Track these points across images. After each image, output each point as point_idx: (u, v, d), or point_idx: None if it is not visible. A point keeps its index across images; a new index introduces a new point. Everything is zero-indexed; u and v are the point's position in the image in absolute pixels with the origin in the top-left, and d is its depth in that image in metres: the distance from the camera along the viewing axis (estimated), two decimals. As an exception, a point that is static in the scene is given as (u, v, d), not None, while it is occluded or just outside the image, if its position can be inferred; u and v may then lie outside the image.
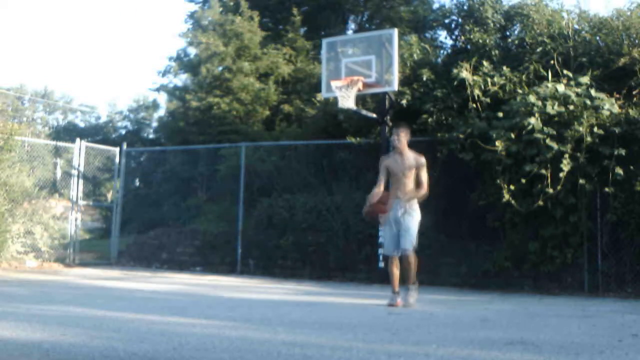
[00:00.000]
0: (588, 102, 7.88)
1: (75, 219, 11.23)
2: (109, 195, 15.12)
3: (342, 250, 9.51)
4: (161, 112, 27.96)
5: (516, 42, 9.82)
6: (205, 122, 14.92)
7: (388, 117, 9.32)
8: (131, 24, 75.82)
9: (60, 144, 12.79)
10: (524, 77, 8.77)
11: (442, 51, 11.30)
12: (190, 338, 3.55)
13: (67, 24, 74.54)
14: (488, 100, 8.73)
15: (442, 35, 12.96)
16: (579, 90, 8.03)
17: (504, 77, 8.79)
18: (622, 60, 8.52)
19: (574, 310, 5.97)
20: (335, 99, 9.26)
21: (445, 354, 3.30)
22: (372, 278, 9.04)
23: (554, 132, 7.79)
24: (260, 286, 8.30)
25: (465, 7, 10.40)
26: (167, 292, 7.04)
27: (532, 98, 8.01)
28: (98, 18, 76.47)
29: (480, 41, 9.57)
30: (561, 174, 7.66)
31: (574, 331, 4.39)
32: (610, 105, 7.90)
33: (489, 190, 8.22)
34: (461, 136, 8.48)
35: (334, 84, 8.95)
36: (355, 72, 9.13)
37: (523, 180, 7.87)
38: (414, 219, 6.12)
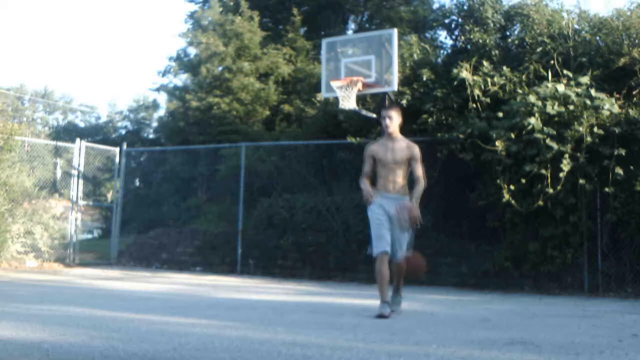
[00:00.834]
0: (588, 102, 7.88)
1: (75, 219, 11.23)
2: (109, 195, 15.13)
3: (342, 250, 9.51)
4: (161, 112, 28.02)
5: (516, 42, 9.82)
6: (205, 122, 14.93)
7: (388, 117, 9.31)
8: (131, 24, 75.83)
9: (60, 144, 12.79)
10: (524, 77, 8.77)
11: (442, 51, 11.30)
12: (190, 338, 3.55)
13: (67, 24, 74.56)
14: (488, 100, 8.73)
15: (442, 35, 12.96)
16: (579, 90, 8.03)
17: (504, 77, 8.79)
18: (622, 60, 8.52)
19: (574, 310, 5.97)
20: (335, 99, 9.26)
21: (445, 354, 3.30)
22: (372, 278, 8.93)
23: (554, 132, 7.79)
24: (260, 286, 8.30)
25: (465, 7, 10.40)
26: (167, 292, 7.04)
27: (532, 98, 8.01)
28: (98, 18, 76.47)
29: (480, 41, 9.57)
30: (561, 174, 7.66)
31: (574, 331, 4.39)
32: (610, 105, 7.90)
33: (489, 190, 8.22)
34: (461, 136, 8.48)
35: (334, 84, 8.96)
36: (355, 72, 9.13)
37: (523, 180, 7.87)
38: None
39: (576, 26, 9.32)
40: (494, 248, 8.42)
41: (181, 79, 18.64)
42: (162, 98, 29.43)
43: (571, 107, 7.90)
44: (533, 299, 7.30)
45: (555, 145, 7.72)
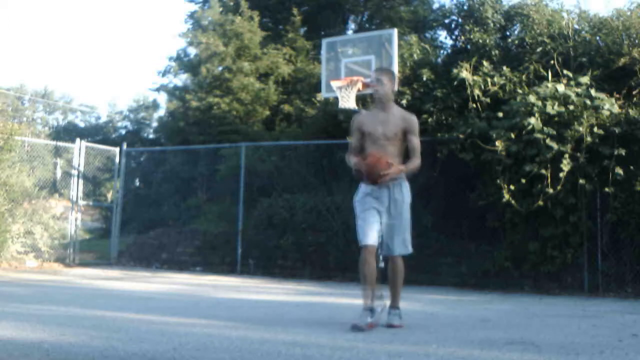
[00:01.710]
0: (588, 102, 7.88)
1: (75, 219, 11.23)
2: (109, 195, 15.12)
3: (342, 250, 9.50)
4: (161, 112, 28.01)
5: (516, 42, 9.82)
6: (205, 122, 14.93)
7: (388, 117, 9.31)
8: (131, 24, 75.82)
9: (60, 144, 12.79)
10: (524, 77, 8.76)
11: (442, 51, 11.29)
12: (190, 338, 3.55)
13: (67, 24, 74.56)
14: (488, 100, 8.73)
15: (442, 35, 12.97)
16: (579, 90, 8.03)
17: (504, 77, 8.79)
18: (622, 60, 8.52)
19: (574, 310, 5.97)
20: (335, 99, 9.26)
21: (445, 354, 3.29)
22: (372, 278, 9.02)
23: (554, 132, 7.79)
24: (260, 286, 8.30)
25: (465, 7, 10.40)
26: (167, 292, 7.04)
27: (532, 98, 8.01)
28: (98, 18, 76.48)
29: (480, 41, 9.57)
30: (561, 174, 7.66)
31: (574, 331, 4.39)
32: (610, 105, 7.90)
33: (489, 190, 8.22)
34: (461, 136, 8.48)
35: (334, 84, 8.96)
36: (355, 72, 9.14)
37: (523, 180, 7.87)
38: (407, 206, 4.33)
39: (576, 26, 9.31)
40: (494, 248, 8.42)
41: (181, 79, 18.66)
42: (162, 98, 29.44)
43: (571, 107, 7.90)
44: (533, 299, 7.30)
45: (555, 145, 7.72)
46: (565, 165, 7.66)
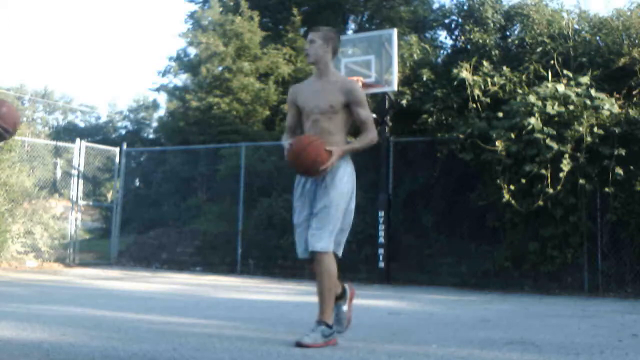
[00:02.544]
0: (588, 102, 7.89)
1: (75, 219, 11.23)
2: (109, 195, 15.12)
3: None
4: (161, 112, 28.03)
5: (516, 42, 9.82)
6: (205, 122, 14.93)
7: (388, 117, 9.32)
8: (131, 24, 75.83)
9: (60, 144, 12.79)
10: (524, 77, 8.77)
11: (442, 51, 11.31)
12: (190, 338, 3.55)
13: (67, 23, 74.58)
14: (488, 100, 8.73)
15: (442, 35, 12.98)
16: (579, 90, 8.03)
17: (504, 77, 8.79)
18: (622, 60, 8.52)
19: (574, 310, 5.97)
20: (335, 99, 9.24)
21: (445, 354, 3.29)
22: (372, 278, 9.03)
23: (554, 132, 7.79)
24: (260, 286, 8.30)
25: (465, 7, 10.40)
26: (167, 292, 7.03)
27: (532, 98, 8.01)
28: (98, 18, 76.47)
29: (480, 41, 9.57)
30: (561, 174, 7.66)
31: (574, 331, 4.39)
32: (610, 105, 7.90)
33: (488, 190, 8.22)
34: (461, 136, 8.48)
35: (334, 84, 8.94)
36: (355, 72, 9.13)
37: (523, 180, 7.87)
38: (339, 192, 3.43)
39: (576, 26, 9.32)
40: (494, 248, 8.43)
41: (181, 79, 18.66)
42: (162, 98, 29.48)
43: (571, 107, 7.90)
44: (533, 299, 7.30)
45: (555, 145, 7.73)
46: (565, 165, 7.66)
